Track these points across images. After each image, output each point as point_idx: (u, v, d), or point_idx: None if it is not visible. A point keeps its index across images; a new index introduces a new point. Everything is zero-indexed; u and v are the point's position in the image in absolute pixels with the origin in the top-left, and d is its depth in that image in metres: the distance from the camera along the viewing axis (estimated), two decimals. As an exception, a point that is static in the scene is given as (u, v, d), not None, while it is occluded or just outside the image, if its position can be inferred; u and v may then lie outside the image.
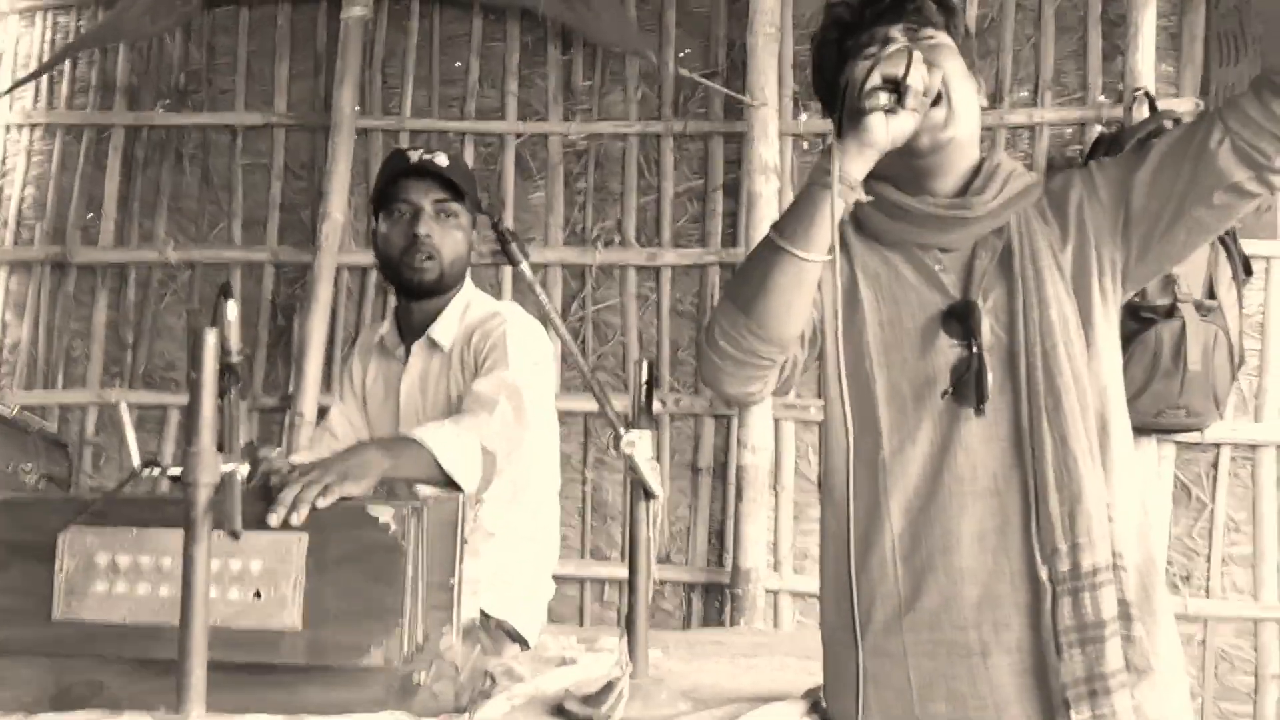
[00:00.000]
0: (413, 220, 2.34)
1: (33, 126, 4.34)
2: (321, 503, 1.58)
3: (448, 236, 2.36)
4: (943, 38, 1.54)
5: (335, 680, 1.54)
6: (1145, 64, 3.53)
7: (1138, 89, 3.50)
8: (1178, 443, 3.52)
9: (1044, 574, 1.47)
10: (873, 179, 1.48)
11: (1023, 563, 1.49)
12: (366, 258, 3.64)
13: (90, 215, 4.24)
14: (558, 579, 2.56)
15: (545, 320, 2.26)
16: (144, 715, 1.49)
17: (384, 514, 1.56)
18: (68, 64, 4.31)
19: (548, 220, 4.03)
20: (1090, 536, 1.46)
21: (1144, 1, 3.54)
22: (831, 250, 1.42)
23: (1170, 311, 3.27)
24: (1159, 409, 3.30)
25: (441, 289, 2.38)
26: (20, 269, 4.25)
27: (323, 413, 2.63)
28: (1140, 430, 3.26)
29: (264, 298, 4.12)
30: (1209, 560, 3.52)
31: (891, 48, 1.44)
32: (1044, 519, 1.47)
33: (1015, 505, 1.50)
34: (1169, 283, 3.27)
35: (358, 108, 4.07)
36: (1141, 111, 3.49)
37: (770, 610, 3.70)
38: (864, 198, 1.47)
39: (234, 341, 1.37)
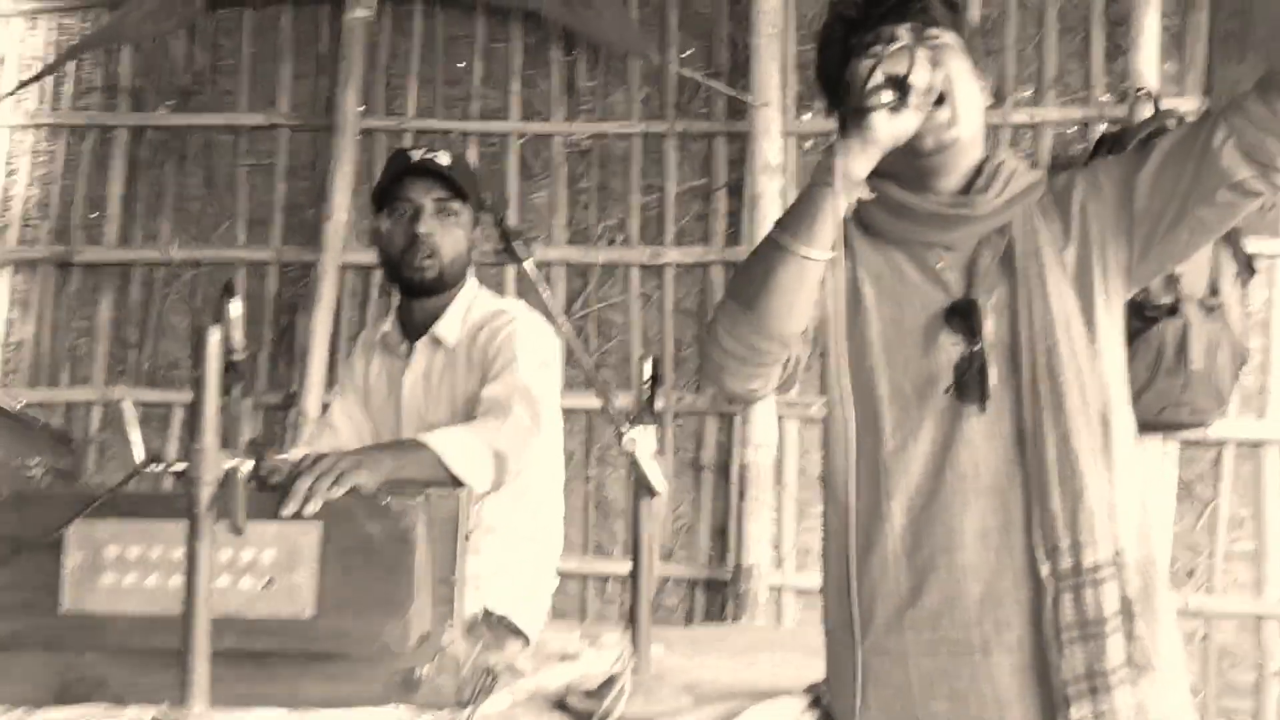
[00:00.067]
0: (413, 219, 2.35)
1: (37, 127, 4.34)
2: (335, 492, 1.60)
3: (448, 235, 2.37)
4: (948, 37, 1.54)
5: (338, 674, 1.55)
6: (1148, 63, 3.53)
7: (1140, 88, 3.50)
8: (1181, 440, 3.52)
9: (1045, 571, 1.47)
10: (876, 177, 1.48)
11: (1025, 560, 1.49)
12: (370, 257, 3.63)
13: (94, 215, 4.24)
14: (560, 575, 2.57)
15: (548, 318, 2.27)
16: (148, 709, 1.49)
17: (396, 505, 1.58)
18: (72, 65, 4.32)
19: (551, 220, 4.04)
20: (1092, 534, 1.46)
21: (1147, 1, 3.54)
22: (834, 248, 1.43)
23: (1174, 310, 3.27)
24: (1162, 407, 3.30)
25: (442, 287, 2.39)
26: (25, 268, 4.26)
27: (326, 411, 2.64)
28: (1143, 428, 3.23)
29: (268, 297, 4.12)
30: (1212, 557, 3.52)
31: (895, 46, 1.45)
32: (1046, 516, 1.48)
33: (1017, 502, 1.50)
34: (1172, 281, 3.27)
35: (361, 108, 4.07)
36: (1144, 111, 3.49)
37: (773, 607, 3.71)
38: (867, 195, 1.47)
39: (237, 339, 1.38)
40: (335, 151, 4.00)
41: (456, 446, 1.98)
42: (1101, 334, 1.54)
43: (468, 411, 2.29)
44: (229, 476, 1.31)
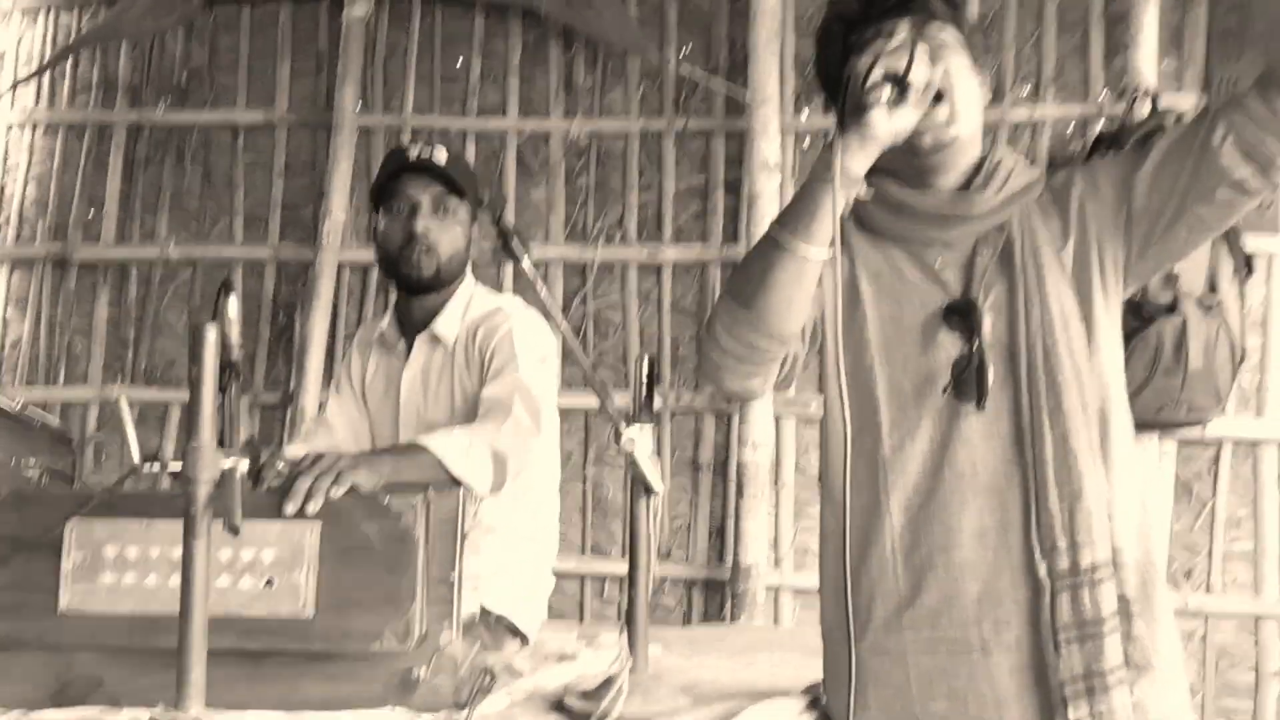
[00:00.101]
0: (410, 216, 2.35)
1: (34, 125, 4.34)
2: (335, 492, 1.61)
3: (445, 232, 2.37)
4: (947, 33, 1.54)
5: (336, 675, 1.55)
6: (1147, 61, 3.53)
7: (1139, 86, 3.50)
8: (1179, 439, 3.52)
9: (1043, 570, 1.47)
10: (874, 174, 1.48)
11: (1023, 559, 1.49)
12: (368, 255, 3.62)
13: (92, 213, 4.24)
14: (558, 575, 2.57)
15: (546, 317, 2.27)
16: (143, 711, 1.49)
17: (396, 504, 1.59)
18: (69, 62, 4.32)
19: (549, 217, 4.03)
20: (1090, 533, 1.46)
21: (1146, -2, 3.54)
22: (832, 245, 1.43)
23: (1172, 308, 3.27)
24: (1160, 405, 3.30)
25: (439, 284, 2.39)
26: (22, 266, 4.26)
27: (322, 409, 2.64)
28: (1141, 427, 3.25)
29: (266, 295, 4.12)
30: (1210, 557, 3.52)
31: (895, 42, 1.44)
32: (1044, 516, 1.47)
33: (1015, 501, 1.50)
34: (1170, 279, 3.27)
35: (359, 106, 4.07)
36: (1143, 109, 3.49)
37: (771, 607, 3.71)
38: (865, 193, 1.47)
39: (234, 337, 1.38)
40: (333, 149, 4.00)
41: (457, 450, 1.98)
42: (1100, 332, 1.53)
43: (466, 408, 2.30)
44: (226, 475, 1.31)
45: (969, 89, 1.53)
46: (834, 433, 1.58)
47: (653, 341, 3.91)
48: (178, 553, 1.48)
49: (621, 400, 1.77)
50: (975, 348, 1.51)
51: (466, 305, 2.42)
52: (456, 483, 1.94)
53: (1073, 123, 3.74)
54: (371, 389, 2.50)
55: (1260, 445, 3.52)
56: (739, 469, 3.69)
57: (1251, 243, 3.46)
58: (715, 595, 3.78)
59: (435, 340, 2.40)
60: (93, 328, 4.19)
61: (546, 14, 4.01)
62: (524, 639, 2.33)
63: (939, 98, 1.46)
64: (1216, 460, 3.53)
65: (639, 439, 1.68)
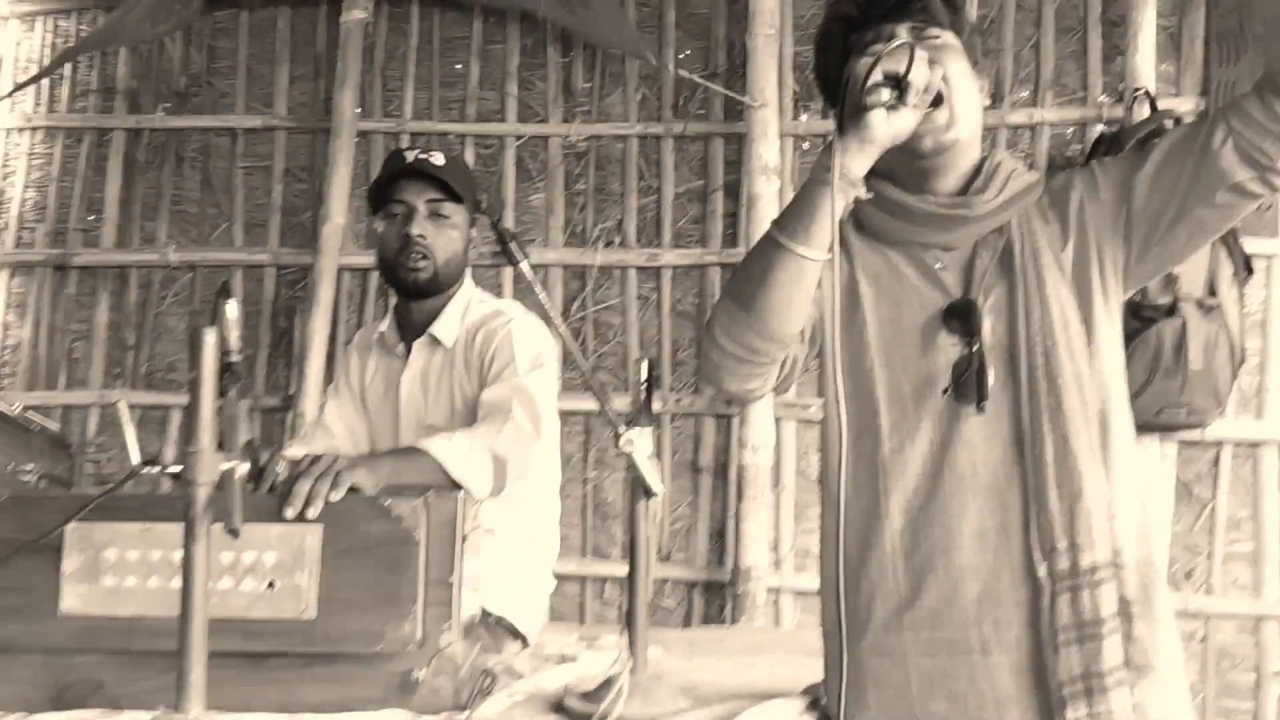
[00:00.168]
0: (406, 220, 2.36)
1: (34, 130, 4.34)
2: (334, 495, 1.61)
3: (441, 236, 2.37)
4: (948, 37, 1.54)
5: (336, 677, 1.56)
6: (1145, 64, 3.53)
7: (1138, 89, 3.50)
8: (1179, 441, 3.51)
9: (1043, 572, 1.47)
10: (874, 177, 1.48)
11: (1022, 560, 1.49)
12: (367, 259, 3.64)
13: (91, 218, 4.24)
14: (558, 577, 2.57)
15: (545, 320, 2.27)
16: (144, 713, 1.49)
17: (396, 506, 1.60)
18: (68, 67, 4.31)
19: (548, 221, 4.03)
20: (1090, 535, 1.46)
21: (1144, 1, 3.54)
22: (831, 248, 1.43)
23: (1171, 310, 3.27)
24: (1160, 407, 3.30)
25: (436, 289, 2.40)
26: (22, 271, 4.26)
27: (321, 412, 2.64)
28: (1141, 428, 3.24)
29: (265, 300, 4.12)
30: (1210, 558, 3.52)
31: (894, 44, 1.45)
32: (1044, 517, 1.47)
33: (1015, 503, 1.50)
34: (1170, 281, 3.27)
35: (358, 110, 4.07)
36: (1142, 111, 3.49)
37: (771, 609, 3.70)
38: (864, 195, 1.47)
39: (234, 341, 1.38)
40: (332, 153, 4.00)
41: (457, 453, 1.99)
42: (1099, 334, 1.53)
43: (465, 412, 2.30)
44: (225, 478, 1.31)
45: (968, 92, 1.53)
46: (833, 435, 1.58)
47: (652, 345, 3.91)
48: (178, 555, 1.49)
49: (621, 403, 1.77)
50: (975, 350, 1.51)
51: (465, 309, 2.42)
52: (456, 486, 1.95)
53: (1071, 126, 3.74)
54: (371, 392, 2.50)
55: (1260, 447, 3.52)
56: (739, 471, 3.69)
57: (1251, 245, 3.46)
58: (715, 597, 3.78)
59: (434, 344, 2.40)
60: (93, 332, 4.19)
61: (545, 18, 4.01)
62: (524, 640, 2.33)
63: (938, 101, 1.46)
64: (1217, 462, 3.53)
65: (638, 441, 1.68)
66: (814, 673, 1.74)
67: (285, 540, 1.58)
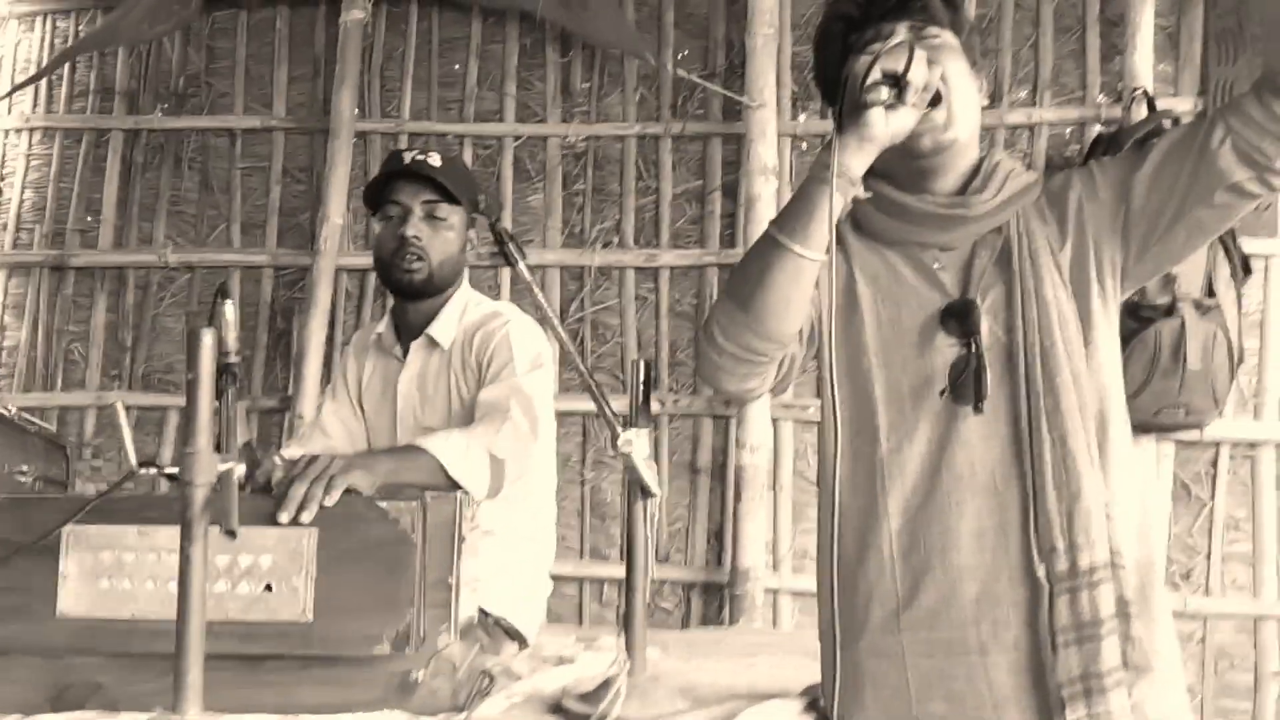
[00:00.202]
0: (402, 222, 2.35)
1: (32, 130, 4.34)
2: (329, 500, 1.60)
3: (436, 238, 2.37)
4: (947, 37, 1.54)
5: (334, 679, 1.55)
6: (1144, 64, 3.53)
7: (1136, 89, 3.50)
8: (1177, 441, 3.51)
9: (1041, 572, 1.47)
10: (872, 177, 1.48)
11: (1021, 561, 1.49)
12: (365, 260, 3.64)
13: (89, 218, 4.24)
14: (556, 579, 2.57)
15: (543, 321, 2.27)
16: (141, 715, 1.49)
17: (394, 508, 1.59)
18: (66, 68, 4.31)
19: (546, 222, 4.03)
20: (1088, 535, 1.46)
21: (1142, 1, 3.54)
22: (829, 247, 1.43)
23: (1169, 310, 3.27)
24: (1158, 407, 3.30)
25: (432, 290, 2.39)
26: (19, 272, 4.25)
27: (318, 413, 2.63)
28: (1139, 429, 3.26)
29: (263, 300, 4.12)
30: (1209, 558, 3.52)
31: (893, 42, 1.45)
32: (1042, 518, 1.47)
33: (1014, 503, 1.50)
34: (1168, 281, 3.27)
35: (356, 111, 4.07)
36: (1140, 111, 3.49)
37: (769, 610, 3.70)
38: (863, 195, 1.47)
39: (232, 343, 1.38)
40: (330, 154, 3.99)
41: (456, 452, 1.99)
42: (1097, 334, 1.53)
43: (463, 413, 2.30)
44: (222, 480, 1.31)
45: (967, 92, 1.53)
46: (829, 435, 1.58)
47: (650, 345, 3.91)
48: (173, 558, 1.49)
49: (619, 404, 1.77)
50: (973, 350, 1.51)
51: (463, 311, 2.42)
52: (454, 485, 1.95)
53: (1070, 126, 3.75)
54: (368, 393, 2.50)
55: (1259, 447, 3.52)
56: (737, 472, 3.68)
57: (1249, 245, 3.46)
58: (713, 598, 3.78)
59: (432, 345, 2.40)
60: (90, 333, 4.19)
61: (543, 18, 4.01)
62: (522, 641, 2.33)
63: (936, 100, 1.46)
64: (1215, 462, 3.53)
65: (636, 442, 1.68)
66: (812, 673, 1.73)
67: (282, 543, 1.57)
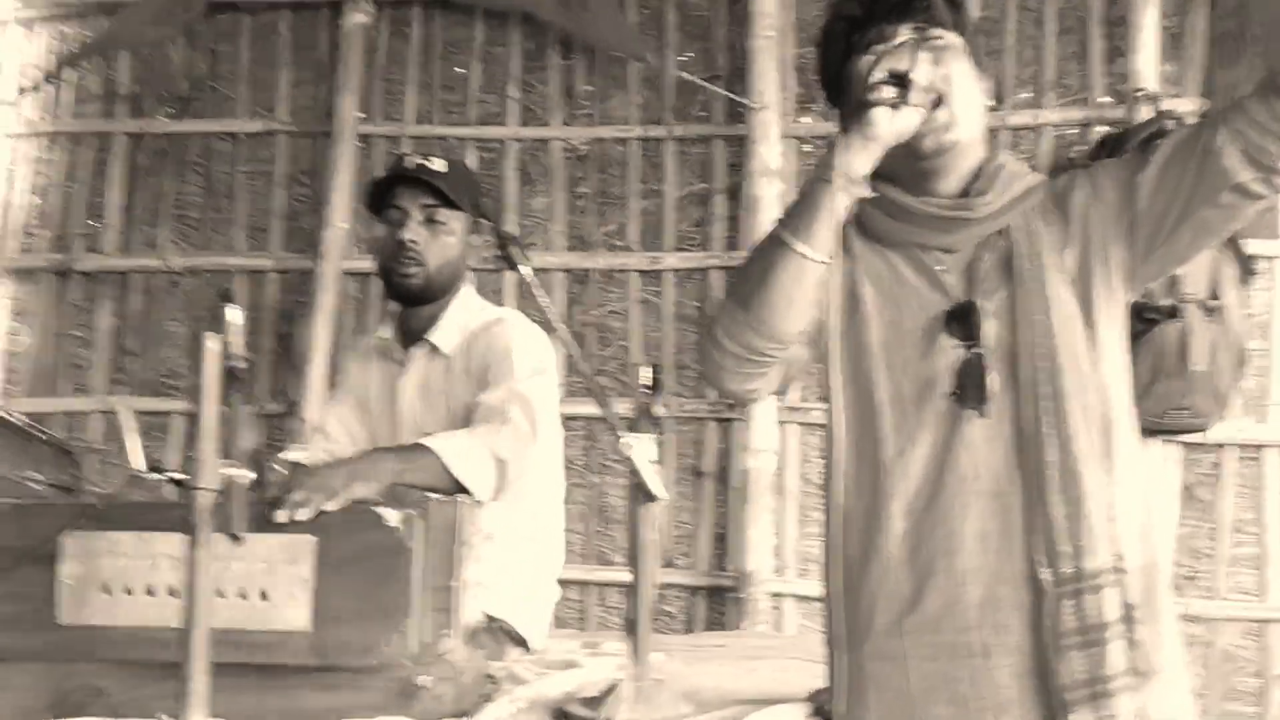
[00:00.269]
0: (400, 226, 2.35)
1: (36, 135, 4.34)
2: (330, 506, 1.60)
3: (435, 243, 2.37)
4: (951, 38, 1.53)
5: (337, 684, 1.55)
6: (1147, 64, 3.53)
7: (1140, 89, 3.50)
8: (1182, 443, 3.51)
9: (1045, 576, 1.46)
10: (876, 179, 1.48)
11: (1025, 564, 1.48)
12: (369, 264, 3.63)
13: (93, 223, 4.25)
14: (561, 583, 2.56)
15: (547, 325, 2.27)
16: (145, 722, 1.49)
17: (391, 516, 1.59)
18: (71, 73, 4.32)
19: (549, 225, 4.03)
20: (1093, 539, 1.45)
21: (1145, 2, 3.54)
22: (833, 248, 1.42)
23: (1174, 312, 3.27)
24: (1163, 410, 3.30)
25: (431, 295, 2.39)
26: (24, 277, 4.26)
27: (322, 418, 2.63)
28: (1145, 431, 3.23)
29: (267, 304, 4.12)
30: (1214, 561, 3.51)
31: (897, 42, 1.44)
32: (1046, 521, 1.47)
33: (1018, 506, 1.49)
34: (1173, 283, 3.27)
35: (359, 114, 4.08)
36: (1144, 112, 3.49)
37: (774, 614, 3.70)
38: (867, 195, 1.47)
39: (237, 347, 1.38)
40: (334, 158, 4.00)
41: (460, 452, 1.99)
42: (1102, 337, 1.53)
43: (464, 419, 2.29)
44: (228, 485, 1.31)
45: (970, 93, 1.53)
46: (833, 437, 1.58)
47: (654, 348, 3.91)
48: (177, 564, 1.49)
49: (623, 408, 1.77)
50: (977, 352, 1.51)
51: (464, 316, 2.42)
52: (458, 485, 1.94)
53: (1073, 127, 3.74)
54: (371, 398, 2.50)
55: (1264, 449, 3.51)
56: (741, 476, 3.69)
57: (1253, 246, 3.45)
58: (718, 603, 3.77)
59: (434, 350, 2.40)
60: (95, 338, 4.19)
61: (546, 21, 4.01)
62: (526, 646, 2.32)
63: (939, 101, 1.46)
64: (1220, 465, 3.53)
65: (637, 444, 1.67)
66: (817, 678, 1.73)
67: (280, 551, 1.56)
